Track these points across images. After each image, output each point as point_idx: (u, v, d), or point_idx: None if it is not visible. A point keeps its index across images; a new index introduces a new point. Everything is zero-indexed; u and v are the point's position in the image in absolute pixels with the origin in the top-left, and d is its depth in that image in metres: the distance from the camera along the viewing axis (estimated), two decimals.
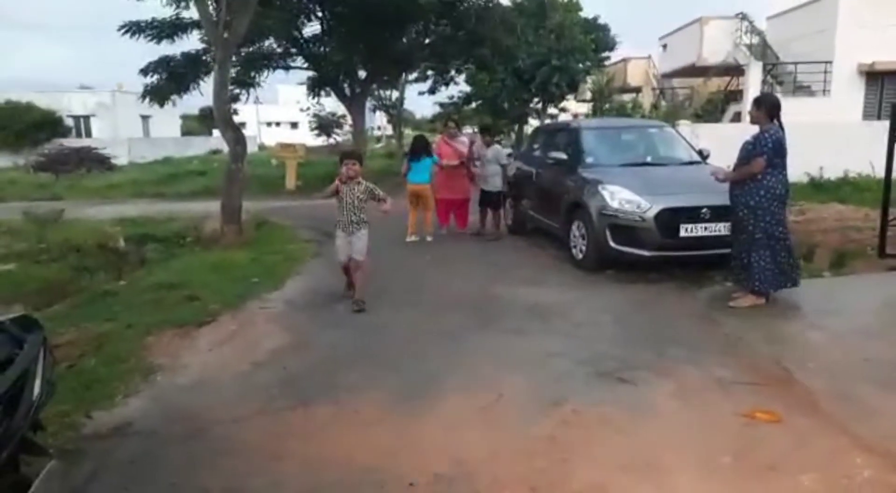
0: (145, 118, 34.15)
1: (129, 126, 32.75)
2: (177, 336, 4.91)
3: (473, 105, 29.38)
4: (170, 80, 15.34)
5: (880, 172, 6.91)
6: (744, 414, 3.38)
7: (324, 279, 6.80)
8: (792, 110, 12.13)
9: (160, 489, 2.88)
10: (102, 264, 7.21)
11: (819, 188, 12.25)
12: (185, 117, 43.66)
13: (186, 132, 42.13)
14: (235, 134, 8.78)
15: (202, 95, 15.08)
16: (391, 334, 4.95)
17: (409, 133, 46.50)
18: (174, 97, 16.05)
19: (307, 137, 33.18)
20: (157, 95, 15.69)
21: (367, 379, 4.03)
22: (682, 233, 6.12)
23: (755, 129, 5.22)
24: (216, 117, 9.09)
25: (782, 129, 5.11)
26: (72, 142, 27.08)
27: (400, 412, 3.55)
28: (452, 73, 25.36)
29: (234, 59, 13.39)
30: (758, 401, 3.55)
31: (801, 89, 17.85)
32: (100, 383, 4.01)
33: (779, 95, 6.07)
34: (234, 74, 15.26)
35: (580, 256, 6.91)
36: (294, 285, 6.60)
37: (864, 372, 3.90)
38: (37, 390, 2.34)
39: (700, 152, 7.74)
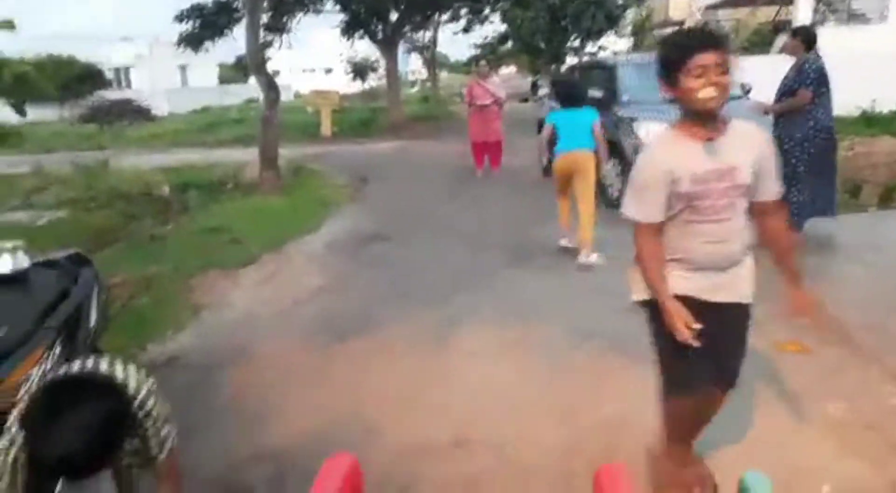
0: (183, 68, 34.37)
1: (168, 76, 33.05)
2: (221, 277, 5.13)
3: (509, 45, 28.57)
4: (203, 27, 15.36)
5: None
6: (775, 346, 3.40)
7: (359, 222, 6.94)
8: (846, 40, 11.49)
9: (212, 414, 3.09)
10: (148, 211, 7.46)
11: (871, 122, 11.66)
12: (221, 66, 43.71)
13: (223, 81, 42.28)
14: (268, 80, 8.82)
15: (235, 41, 15.08)
16: (426, 272, 5.06)
17: (445, 76, 45.60)
18: (208, 44, 16.08)
19: (342, 82, 32.94)
20: (192, 41, 15.75)
21: (402, 315, 4.17)
22: None
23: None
24: (249, 64, 9.12)
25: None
26: (112, 93, 27.59)
27: (432, 345, 3.69)
28: (486, 11, 24.59)
29: (264, 4, 13.30)
30: (790, 334, 3.55)
31: (855, 17, 16.75)
32: (151, 321, 4.26)
33: (831, 24, 5.76)
34: (265, 20, 15.15)
35: (615, 194, 6.84)
36: (331, 228, 6.76)
37: None
38: (93, 319, 2.53)
39: (742, 86, 7.44)
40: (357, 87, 31.73)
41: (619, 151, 6.62)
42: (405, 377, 3.33)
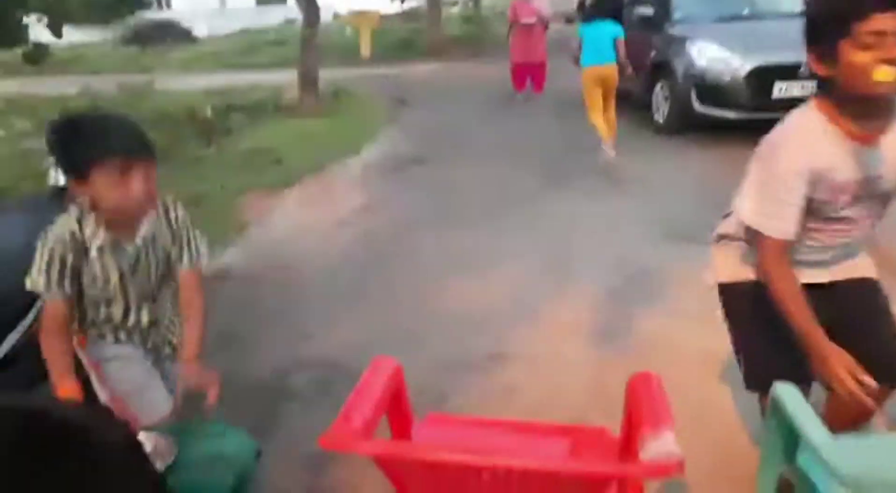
0: None
1: None
2: (265, 197, 5.25)
3: None
4: None
5: None
6: None
7: (399, 144, 6.93)
8: None
9: (259, 325, 3.26)
10: (192, 132, 7.58)
11: None
12: None
13: (261, 1, 41.45)
14: (308, 0, 8.63)
15: None
16: (466, 194, 5.08)
17: None
18: None
19: (382, 2, 31.89)
20: None
21: (441, 235, 4.23)
22: (776, 93, 5.70)
23: None
24: None
25: None
26: (154, 14, 27.38)
27: (472, 265, 3.76)
28: None
29: None
30: None
31: None
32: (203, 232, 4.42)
33: None
34: None
35: (661, 119, 6.62)
36: (371, 150, 6.77)
37: None
38: None
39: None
40: (397, 7, 30.69)
41: (669, 73, 6.35)
42: (444, 295, 3.42)
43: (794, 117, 1.51)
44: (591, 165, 5.63)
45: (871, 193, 1.47)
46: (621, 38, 5.51)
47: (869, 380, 1.33)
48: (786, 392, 1.33)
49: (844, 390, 1.35)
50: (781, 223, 1.45)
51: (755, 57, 5.72)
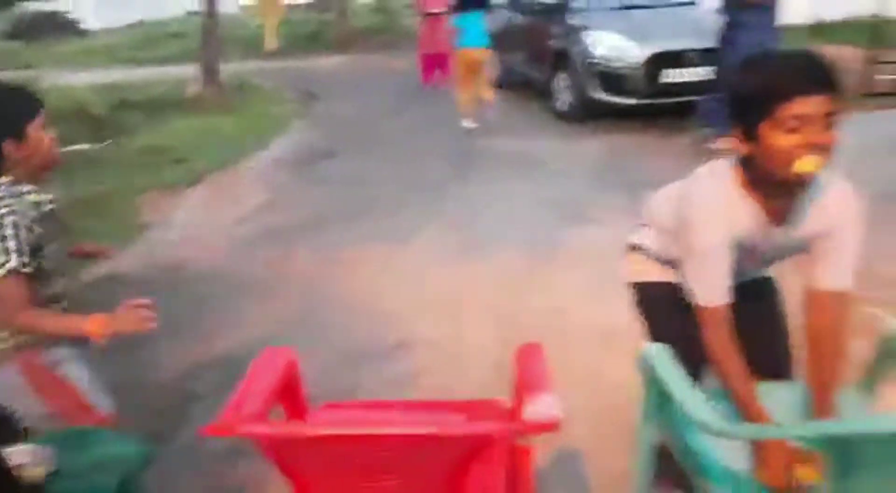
0: None
1: None
2: (166, 196, 5.04)
3: None
4: None
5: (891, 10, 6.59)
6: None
7: (307, 139, 6.81)
8: None
9: (162, 328, 3.09)
10: (84, 131, 7.14)
11: (819, 31, 11.75)
12: None
13: None
14: None
15: None
16: (375, 186, 5.08)
17: None
18: None
19: None
20: None
21: (349, 228, 4.22)
22: (666, 79, 6.02)
23: None
24: None
25: None
26: (38, 6, 25.45)
27: (379, 255, 3.78)
28: None
29: None
30: None
31: None
32: (93, 239, 4.18)
33: None
34: None
35: (564, 107, 6.84)
36: (279, 146, 6.63)
37: None
38: None
39: None
40: None
41: (570, 62, 6.56)
42: (350, 287, 3.42)
43: (711, 185, 1.44)
44: (499, 154, 5.76)
45: (782, 256, 1.52)
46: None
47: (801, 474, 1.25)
48: (655, 351, 1.43)
49: (771, 483, 1.28)
50: (715, 293, 1.43)
51: (652, 45, 6.00)
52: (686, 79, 5.99)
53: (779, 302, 1.70)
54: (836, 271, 1.42)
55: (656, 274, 1.70)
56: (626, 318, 2.81)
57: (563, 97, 6.79)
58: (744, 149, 1.33)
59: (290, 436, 1.25)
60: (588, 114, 6.55)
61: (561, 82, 6.82)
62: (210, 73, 8.29)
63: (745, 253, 1.45)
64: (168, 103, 8.63)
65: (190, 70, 9.36)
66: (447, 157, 5.78)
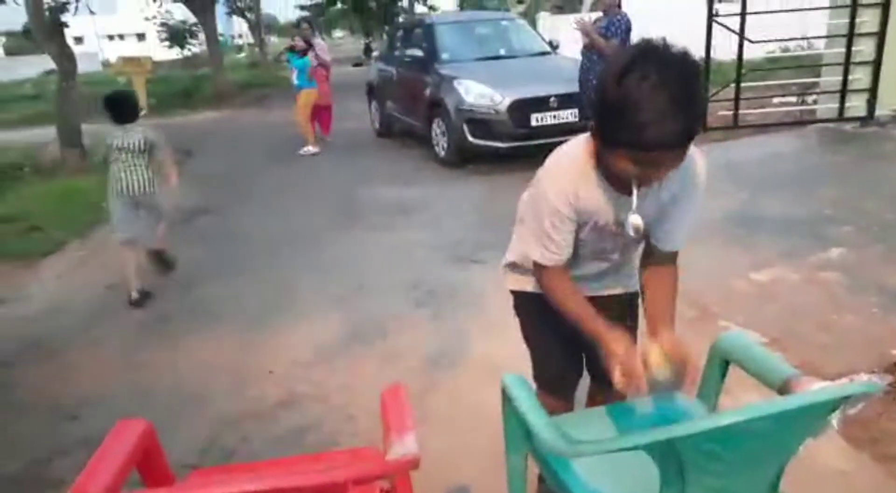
0: None
1: None
2: (19, 269, 4.65)
3: (339, 6, 27.87)
4: None
5: (721, 54, 7.40)
6: None
7: (183, 197, 6.53)
8: None
9: (15, 413, 2.85)
10: None
11: None
12: (8, 35, 38.14)
13: (12, 52, 36.95)
14: (61, 49, 7.90)
15: (17, 5, 13.17)
16: (253, 241, 4.96)
17: (275, 41, 43.42)
18: None
19: (158, 50, 30.15)
20: None
21: (229, 289, 4.07)
22: (534, 122, 6.41)
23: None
24: (33, 30, 8.09)
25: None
26: None
27: (259, 313, 3.67)
28: None
29: None
30: None
31: None
32: None
33: None
34: None
35: (442, 153, 7.09)
36: None
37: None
38: None
39: (550, 43, 7.98)
40: (176, 54, 29.19)
41: (443, 110, 6.84)
42: (228, 349, 3.28)
43: (565, 154, 1.50)
44: (382, 201, 5.83)
45: (625, 233, 1.50)
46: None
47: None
48: (513, 381, 1.50)
49: (623, 388, 1.42)
50: (556, 255, 1.52)
51: (513, 92, 6.40)
52: (551, 122, 6.41)
53: (634, 315, 1.81)
54: (682, 232, 1.54)
55: (531, 286, 1.80)
56: (513, 351, 2.93)
57: (442, 143, 7.03)
58: (596, 144, 1.38)
59: None
60: (465, 158, 6.82)
61: (438, 129, 7.08)
62: (69, 134, 7.83)
63: (599, 230, 1.53)
64: (22, 169, 8.03)
65: (47, 132, 8.79)
66: (327, 207, 5.78)
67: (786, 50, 10.73)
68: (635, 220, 1.42)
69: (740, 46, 6.71)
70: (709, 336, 2.97)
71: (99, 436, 2.54)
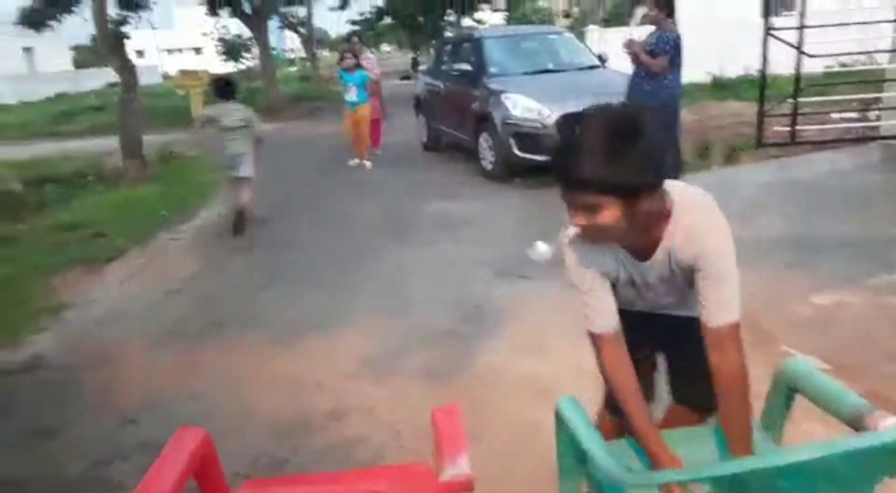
0: (27, 50, 31.08)
1: (9, 60, 29.77)
2: (84, 274, 4.85)
3: (388, 20, 28.32)
4: (46, 3, 14.00)
5: (777, 68, 7.23)
6: None
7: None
8: (695, 10, 12.36)
9: (77, 415, 2.96)
10: None
11: (720, 87, 12.74)
12: (76, 48, 40.03)
13: (81, 65, 38.76)
14: (122, 62, 8.25)
15: (85, 21, 13.87)
16: (306, 255, 5.06)
17: (325, 54, 44.33)
18: (53, 24, 14.71)
19: (214, 63, 31.16)
20: (34, 20, 14.33)
21: (281, 297, 4.16)
22: None
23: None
24: (99, 43, 8.48)
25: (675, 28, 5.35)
26: None
27: (312, 323, 3.73)
28: None
29: None
30: None
31: None
32: (5, 324, 3.96)
33: None
34: None
35: (489, 166, 7.10)
36: (206, 215, 6.54)
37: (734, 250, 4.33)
38: None
39: (599, 57, 7.92)
40: (231, 67, 30.12)
41: (490, 124, 6.86)
42: (282, 358, 3.35)
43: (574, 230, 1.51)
44: (428, 215, 5.88)
45: (674, 287, 1.53)
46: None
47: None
48: (568, 404, 1.48)
49: None
50: (603, 321, 1.51)
51: (560, 106, 6.37)
52: None
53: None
54: (718, 305, 1.42)
55: None
56: (563, 370, 2.90)
57: (489, 156, 7.05)
58: None
59: None
60: (512, 172, 6.82)
61: (485, 143, 7.10)
62: (131, 144, 8.15)
63: (634, 285, 1.55)
64: (88, 178, 8.40)
65: (111, 143, 9.18)
66: (379, 220, 5.86)
67: (844, 65, 10.38)
68: (539, 246, 1.47)
69: (798, 60, 6.52)
70: (770, 361, 2.89)
71: (156, 440, 2.63)
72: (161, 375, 3.25)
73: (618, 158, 1.26)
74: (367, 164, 8.19)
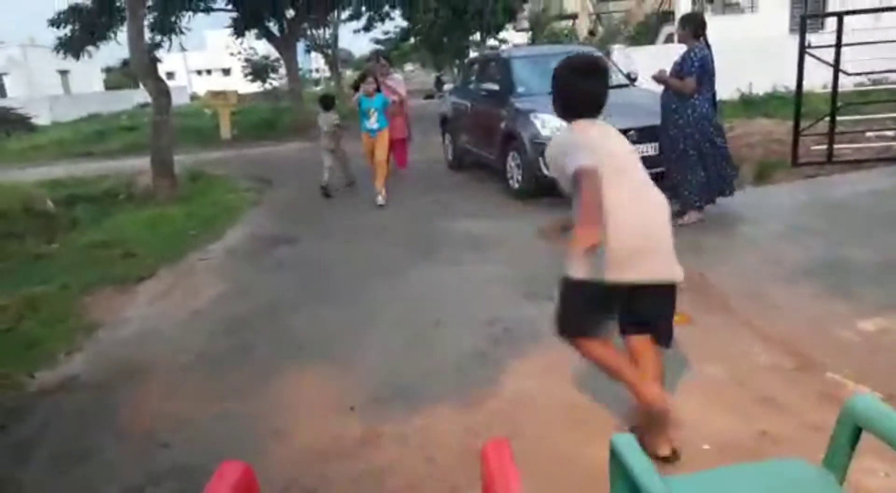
0: (63, 73, 32.07)
1: (46, 82, 30.74)
2: (115, 293, 4.89)
3: (412, 41, 28.64)
4: (83, 30, 14.41)
5: (806, 85, 7.10)
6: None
7: (263, 226, 6.79)
8: (722, 28, 12.31)
9: (110, 436, 2.96)
10: (31, 228, 6.97)
11: (749, 104, 12.58)
12: (108, 70, 41.19)
13: (112, 86, 39.85)
14: (157, 84, 8.42)
15: (119, 45, 14.26)
16: (334, 272, 5.05)
17: (349, 74, 44.97)
18: (90, 49, 15.13)
19: (242, 83, 31.74)
20: (71, 47, 14.75)
21: (309, 316, 4.14)
22: None
23: (684, 48, 5.35)
24: (134, 67, 8.69)
25: (709, 47, 5.25)
26: None
27: (342, 345, 3.70)
28: (386, 7, 24.52)
29: (149, 3, 12.63)
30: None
31: (729, 7, 18.07)
32: (40, 344, 4.00)
33: (709, 14, 6.20)
34: (151, 19, 14.42)
35: (517, 185, 7.05)
36: (234, 235, 6.57)
37: (773, 273, 4.22)
38: None
39: (628, 75, 7.87)
40: (258, 87, 30.66)
41: (519, 143, 6.82)
42: (311, 381, 3.31)
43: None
44: (455, 235, 5.84)
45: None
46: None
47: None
48: (624, 442, 1.42)
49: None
50: (587, 160, 2.10)
51: None
52: None
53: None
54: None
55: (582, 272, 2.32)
56: (596, 397, 2.82)
57: (517, 175, 7.01)
58: None
59: None
60: (540, 191, 6.75)
61: (513, 162, 7.06)
62: (161, 164, 8.29)
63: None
64: (119, 197, 8.56)
65: (142, 162, 9.35)
66: (406, 239, 5.84)
67: (877, 82, 10.17)
68: None
69: (835, 78, 6.40)
70: (815, 389, 2.76)
71: (187, 465, 2.61)
72: (191, 397, 3.24)
73: None
74: (380, 198, 7.31)
